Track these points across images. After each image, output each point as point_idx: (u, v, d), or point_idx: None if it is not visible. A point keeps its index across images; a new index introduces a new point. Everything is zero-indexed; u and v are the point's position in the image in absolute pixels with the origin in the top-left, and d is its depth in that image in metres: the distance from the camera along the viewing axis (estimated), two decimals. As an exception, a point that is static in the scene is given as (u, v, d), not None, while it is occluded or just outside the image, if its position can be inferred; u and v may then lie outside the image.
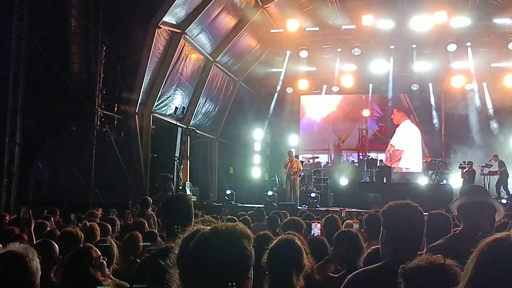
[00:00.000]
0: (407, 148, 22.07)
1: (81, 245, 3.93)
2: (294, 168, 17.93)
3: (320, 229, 6.15)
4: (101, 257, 3.65)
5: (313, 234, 5.98)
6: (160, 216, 3.76)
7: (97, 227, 5.51)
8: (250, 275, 1.96)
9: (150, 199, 9.43)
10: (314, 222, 6.39)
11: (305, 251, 3.20)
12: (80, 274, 3.44)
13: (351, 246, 4.19)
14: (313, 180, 20.04)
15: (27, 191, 16.64)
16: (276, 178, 20.61)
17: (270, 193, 18.61)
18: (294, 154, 18.67)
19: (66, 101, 16.50)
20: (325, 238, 5.29)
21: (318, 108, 23.68)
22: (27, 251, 2.51)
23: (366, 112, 22.88)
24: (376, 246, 3.61)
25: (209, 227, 2.01)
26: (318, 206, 17.45)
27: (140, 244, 5.64)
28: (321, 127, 23.78)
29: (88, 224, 5.70)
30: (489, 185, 18.27)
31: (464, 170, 17.97)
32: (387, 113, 22.84)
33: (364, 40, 20.70)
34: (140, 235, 5.80)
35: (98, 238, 5.13)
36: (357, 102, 23.44)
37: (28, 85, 16.11)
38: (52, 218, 8.03)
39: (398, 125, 22.69)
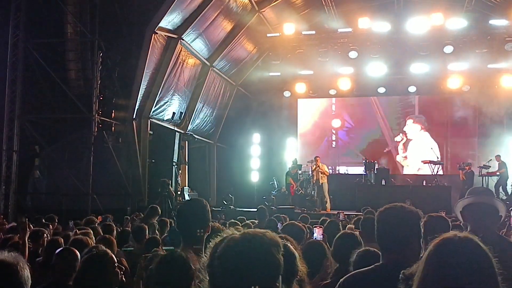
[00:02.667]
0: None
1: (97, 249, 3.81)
2: (323, 172, 18.04)
3: (322, 234, 6.13)
4: (117, 264, 3.57)
5: (315, 238, 5.95)
6: (177, 220, 3.71)
7: (92, 234, 5.47)
8: (278, 284, 1.93)
9: (159, 209, 9.19)
10: (315, 227, 6.36)
11: (298, 256, 3.16)
12: (94, 279, 3.36)
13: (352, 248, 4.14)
14: (312, 183, 20.01)
15: (25, 199, 16.57)
16: (275, 182, 20.59)
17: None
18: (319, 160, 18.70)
19: (63, 108, 16.46)
20: (326, 243, 5.26)
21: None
22: (18, 260, 2.47)
23: (336, 123, 22.93)
24: (365, 248, 3.60)
25: (238, 233, 1.97)
26: (316, 209, 17.44)
27: (114, 247, 5.51)
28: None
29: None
30: (487, 186, 18.28)
31: (463, 172, 17.98)
32: (359, 123, 22.83)
33: (361, 43, 20.72)
34: (113, 238, 5.71)
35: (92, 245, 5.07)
36: (327, 111, 23.44)
37: (25, 92, 16.09)
38: (50, 226, 7.99)
39: (411, 138, 22.40)
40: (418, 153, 21.62)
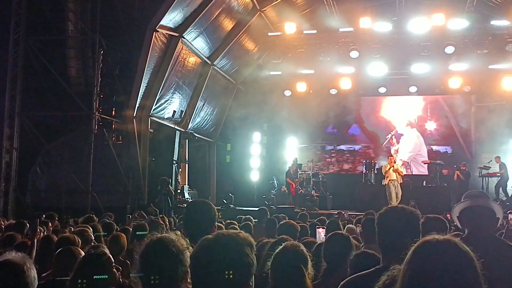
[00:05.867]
0: (411, 158, 21.80)
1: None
2: (400, 172, 17.76)
3: (325, 235, 6.12)
4: (114, 265, 3.56)
5: (317, 239, 5.95)
6: (184, 221, 3.72)
7: (90, 232, 5.45)
8: (250, 283, 1.95)
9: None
10: (318, 228, 6.37)
11: (310, 257, 3.16)
12: (91, 280, 3.35)
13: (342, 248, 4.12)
14: (312, 183, 20.03)
15: (24, 196, 16.58)
16: (275, 181, 20.58)
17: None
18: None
19: (63, 105, 16.45)
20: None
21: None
22: (25, 260, 2.48)
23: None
24: (363, 250, 3.59)
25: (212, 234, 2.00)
26: (317, 209, 17.43)
27: (124, 244, 5.54)
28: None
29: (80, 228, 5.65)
30: (487, 187, 18.29)
31: (459, 172, 17.96)
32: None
33: (362, 42, 20.68)
34: (123, 235, 5.71)
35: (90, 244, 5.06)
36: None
37: (26, 89, 16.09)
38: (49, 223, 7.98)
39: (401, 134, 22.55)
40: (407, 148, 21.80)
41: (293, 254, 3.12)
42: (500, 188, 18.25)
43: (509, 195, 17.86)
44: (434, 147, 22.09)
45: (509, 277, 3.07)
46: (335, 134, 23.56)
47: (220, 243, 1.93)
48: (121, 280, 3.54)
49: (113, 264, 3.49)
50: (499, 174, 18.34)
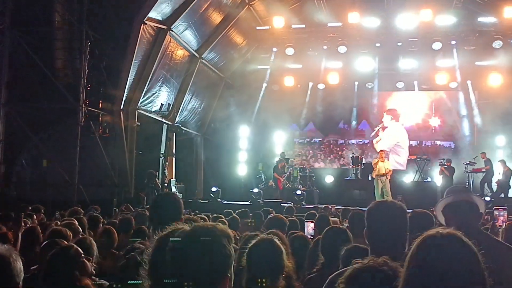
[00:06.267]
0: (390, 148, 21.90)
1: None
2: (387, 169, 17.33)
3: (313, 229, 6.15)
4: (83, 255, 3.60)
5: (306, 233, 5.97)
6: (150, 214, 3.75)
7: (76, 224, 5.44)
8: (229, 275, 1.96)
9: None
10: (307, 222, 6.39)
11: (285, 251, 3.16)
12: (63, 271, 3.39)
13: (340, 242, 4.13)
14: (299, 177, 20.08)
15: (9, 189, 16.42)
16: (262, 175, 20.59)
17: (256, 190, 18.59)
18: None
19: (50, 97, 16.27)
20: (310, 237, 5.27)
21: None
22: (11, 252, 2.46)
23: None
24: (354, 244, 3.60)
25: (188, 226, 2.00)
26: (303, 203, 17.47)
27: (115, 237, 5.56)
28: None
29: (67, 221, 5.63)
30: (473, 182, 18.45)
31: (444, 167, 18.07)
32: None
33: (350, 37, 20.73)
34: (113, 229, 5.73)
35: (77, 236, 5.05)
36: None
37: (11, 81, 15.89)
38: (35, 216, 7.92)
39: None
40: (387, 138, 21.84)
41: (267, 247, 3.13)
42: (485, 184, 18.42)
43: (494, 191, 18.03)
44: (439, 142, 22.20)
45: (498, 271, 3.10)
46: (325, 128, 23.60)
47: (197, 235, 1.93)
48: (93, 272, 3.58)
49: (82, 255, 3.52)
50: (484, 170, 18.49)
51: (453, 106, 21.99)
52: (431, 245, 1.79)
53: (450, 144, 22.07)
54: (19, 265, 2.46)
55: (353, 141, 23.27)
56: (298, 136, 23.82)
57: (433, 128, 22.26)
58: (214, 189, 18.57)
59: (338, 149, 23.37)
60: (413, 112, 22.62)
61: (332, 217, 9.09)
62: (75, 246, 3.59)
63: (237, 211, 10.61)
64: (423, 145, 22.34)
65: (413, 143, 22.50)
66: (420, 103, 22.56)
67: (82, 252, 3.58)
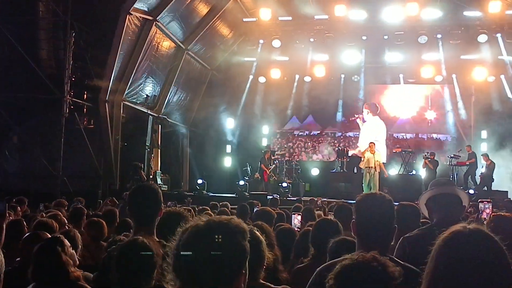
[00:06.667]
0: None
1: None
2: (377, 161, 17.12)
3: (300, 221, 6.17)
4: (70, 247, 3.58)
5: (293, 225, 5.99)
6: (128, 205, 3.71)
7: (62, 216, 5.39)
8: (244, 271, 1.91)
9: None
10: (294, 214, 6.40)
11: (265, 242, 3.13)
12: (52, 263, 3.36)
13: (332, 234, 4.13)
14: (285, 170, 20.11)
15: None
16: (248, 168, 20.59)
17: (241, 182, 18.59)
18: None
19: (34, 88, 16.08)
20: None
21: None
22: None
23: None
24: (342, 237, 3.60)
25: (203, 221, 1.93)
26: (289, 195, 17.51)
27: (104, 229, 5.53)
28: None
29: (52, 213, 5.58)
30: (457, 175, 18.61)
31: (428, 160, 18.20)
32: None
33: (337, 30, 20.75)
34: (103, 221, 5.70)
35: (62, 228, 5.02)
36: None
37: (-6, 71, 15.70)
38: (18, 208, 7.83)
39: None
40: (365, 134, 22.08)
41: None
42: (469, 177, 18.59)
43: (478, 183, 18.20)
44: (435, 135, 22.24)
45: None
46: (312, 121, 23.62)
47: (211, 231, 1.85)
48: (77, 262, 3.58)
49: (69, 248, 3.49)
50: (468, 163, 18.65)
51: (446, 100, 22.07)
52: (459, 241, 1.78)
53: (447, 137, 22.11)
54: (1, 257, 2.42)
55: (339, 133, 23.35)
56: (284, 128, 23.82)
57: (429, 121, 22.32)
58: (199, 181, 18.57)
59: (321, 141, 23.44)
60: (409, 105, 22.66)
61: (317, 210, 9.13)
62: (63, 237, 3.55)
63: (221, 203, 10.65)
64: (419, 137, 22.35)
65: (409, 136, 22.58)
66: (416, 96, 22.62)
67: (68, 245, 3.55)
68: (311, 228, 4.50)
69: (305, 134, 23.69)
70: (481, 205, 5.05)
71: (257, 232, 3.14)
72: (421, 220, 4.69)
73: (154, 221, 3.44)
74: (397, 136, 22.68)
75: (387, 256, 1.98)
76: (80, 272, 3.54)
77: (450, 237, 1.81)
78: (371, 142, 17.69)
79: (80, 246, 4.32)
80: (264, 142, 22.46)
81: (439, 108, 22.28)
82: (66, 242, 3.54)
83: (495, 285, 1.71)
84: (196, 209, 9.03)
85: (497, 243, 1.78)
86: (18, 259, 4.00)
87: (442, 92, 22.05)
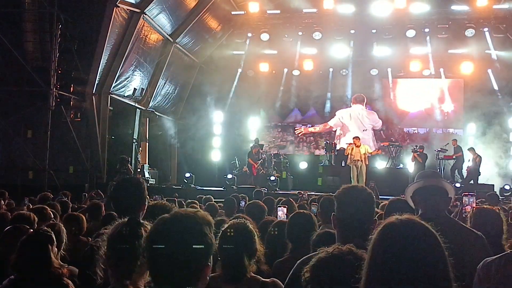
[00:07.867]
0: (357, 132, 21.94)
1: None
2: (363, 153, 16.89)
3: (286, 214, 6.18)
4: (55, 244, 3.55)
5: (279, 218, 5.99)
6: (112, 199, 3.68)
7: (49, 210, 5.34)
8: (209, 263, 1.92)
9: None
10: (280, 206, 6.41)
11: (256, 235, 3.16)
12: (38, 257, 3.33)
13: (306, 227, 4.15)
14: (273, 163, 20.11)
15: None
16: (236, 161, 20.57)
17: (229, 176, 18.57)
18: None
19: (20, 81, 15.94)
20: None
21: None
22: None
23: None
24: (324, 230, 3.61)
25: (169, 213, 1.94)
26: (277, 189, 17.52)
27: (83, 224, 5.48)
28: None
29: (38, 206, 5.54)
30: (444, 169, 18.72)
31: (417, 154, 18.28)
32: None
33: (325, 24, 20.75)
34: (82, 215, 5.66)
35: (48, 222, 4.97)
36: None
37: (-21, 63, 15.53)
38: (1, 201, 7.77)
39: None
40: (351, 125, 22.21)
41: (238, 231, 3.12)
42: (456, 171, 18.71)
43: (464, 177, 18.33)
44: (451, 130, 22.03)
45: (458, 251, 3.13)
46: (298, 115, 23.62)
47: (177, 222, 1.87)
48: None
49: (54, 241, 3.47)
50: (455, 157, 18.77)
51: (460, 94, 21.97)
52: (391, 232, 1.79)
53: (436, 131, 22.06)
54: None
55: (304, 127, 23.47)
56: (272, 121, 23.82)
57: (446, 113, 22.12)
58: (187, 174, 18.51)
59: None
60: (421, 99, 22.49)
61: (306, 203, 9.13)
62: (49, 231, 3.52)
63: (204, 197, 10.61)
64: (433, 132, 22.18)
65: (422, 130, 22.44)
66: (430, 90, 22.38)
67: (54, 238, 3.52)
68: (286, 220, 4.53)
69: (294, 127, 23.67)
70: (465, 198, 5.06)
71: (250, 226, 3.16)
72: (407, 213, 4.69)
73: (138, 215, 3.37)
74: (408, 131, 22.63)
75: (365, 250, 1.98)
76: (66, 269, 3.50)
77: (383, 229, 1.83)
78: (354, 137, 17.66)
79: (65, 241, 4.28)
80: (253, 136, 22.41)
81: (455, 100, 22.00)
82: (54, 238, 3.51)
83: (428, 274, 1.72)
84: (183, 202, 9.01)
85: (430, 231, 1.80)
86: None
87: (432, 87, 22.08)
